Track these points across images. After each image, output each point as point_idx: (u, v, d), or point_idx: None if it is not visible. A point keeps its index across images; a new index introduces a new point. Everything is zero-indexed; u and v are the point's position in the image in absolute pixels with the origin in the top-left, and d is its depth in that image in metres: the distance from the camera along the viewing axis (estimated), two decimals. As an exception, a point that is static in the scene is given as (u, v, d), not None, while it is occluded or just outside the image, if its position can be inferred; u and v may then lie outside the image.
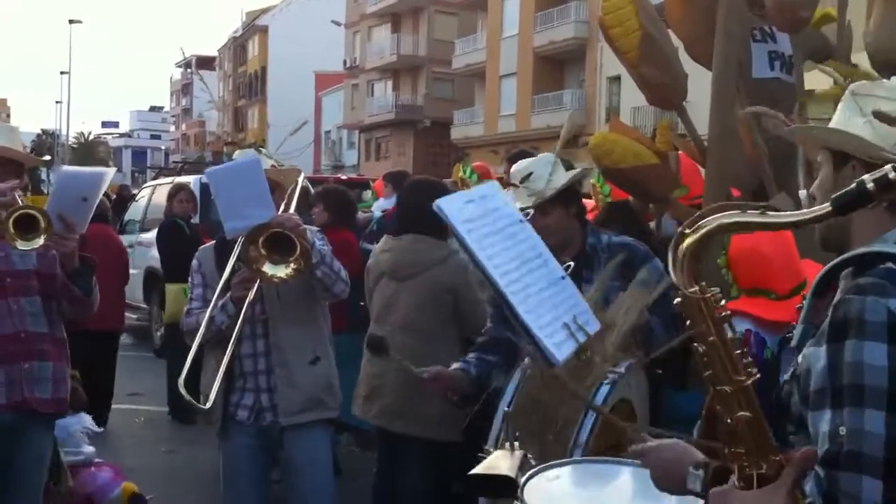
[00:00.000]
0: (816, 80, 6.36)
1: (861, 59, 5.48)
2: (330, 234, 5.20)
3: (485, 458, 3.28)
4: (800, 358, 1.82)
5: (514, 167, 4.04)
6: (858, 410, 1.65)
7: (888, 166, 1.16)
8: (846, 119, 1.95)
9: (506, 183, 4.55)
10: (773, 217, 1.28)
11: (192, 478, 6.61)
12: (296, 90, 58.68)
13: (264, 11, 68.16)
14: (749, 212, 1.29)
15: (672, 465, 1.91)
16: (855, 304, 1.69)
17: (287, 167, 4.54)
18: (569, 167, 3.94)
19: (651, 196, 5.13)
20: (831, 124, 2.00)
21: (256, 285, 3.78)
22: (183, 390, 3.68)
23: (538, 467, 2.48)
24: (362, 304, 5.47)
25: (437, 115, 46.00)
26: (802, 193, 4.89)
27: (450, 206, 3.08)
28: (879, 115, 1.85)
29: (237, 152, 4.50)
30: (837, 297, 1.75)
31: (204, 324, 3.78)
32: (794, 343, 1.89)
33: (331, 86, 58.52)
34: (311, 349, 4.00)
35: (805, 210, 1.30)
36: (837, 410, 1.67)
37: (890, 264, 1.73)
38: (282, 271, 3.70)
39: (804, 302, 1.91)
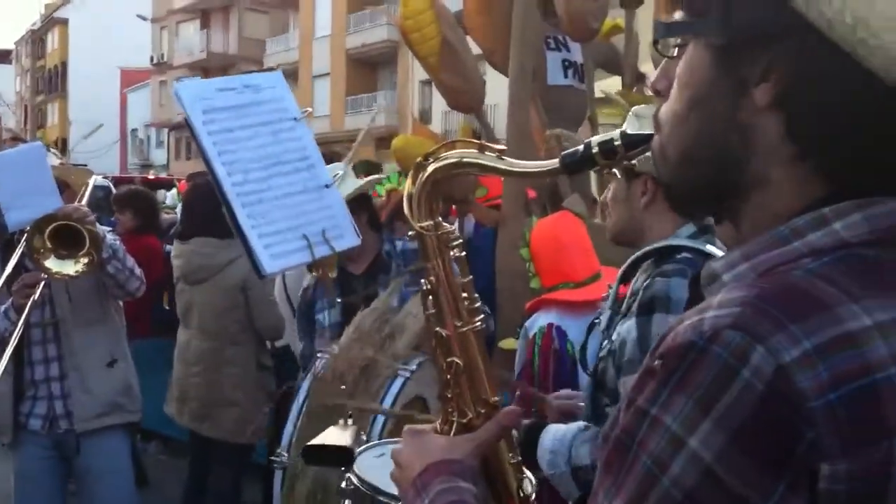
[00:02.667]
0: (607, 87, 6.73)
1: (649, 69, 5.85)
2: (134, 240, 5.08)
3: (276, 461, 3.32)
4: (613, 335, 2.09)
5: None
6: None
7: (616, 132, 1.22)
8: None
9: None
10: (508, 164, 1.30)
11: (-17, 494, 6.26)
12: (99, 86, 56.13)
13: (64, 3, 64.79)
14: (487, 153, 1.30)
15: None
16: (661, 285, 2.02)
17: (78, 167, 4.40)
18: (369, 172, 3.98)
19: (452, 197, 5.28)
20: None
21: (41, 288, 3.61)
22: None
23: (369, 444, 2.61)
24: (166, 308, 5.37)
25: (249, 115, 45.15)
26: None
27: (193, 90, 2.74)
28: None
29: (23, 150, 4.33)
30: (644, 281, 2.08)
31: None
32: (602, 326, 2.18)
33: (137, 82, 56.37)
34: (106, 351, 3.87)
35: (538, 163, 1.34)
36: None
37: (685, 253, 2.08)
38: (70, 268, 3.52)
39: (610, 290, 2.20)
